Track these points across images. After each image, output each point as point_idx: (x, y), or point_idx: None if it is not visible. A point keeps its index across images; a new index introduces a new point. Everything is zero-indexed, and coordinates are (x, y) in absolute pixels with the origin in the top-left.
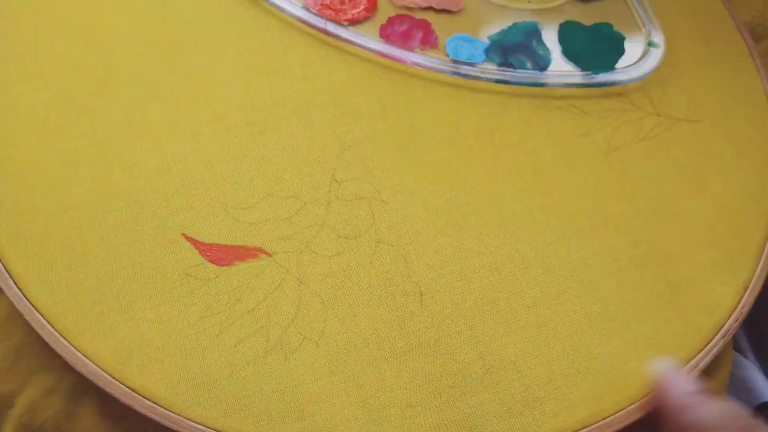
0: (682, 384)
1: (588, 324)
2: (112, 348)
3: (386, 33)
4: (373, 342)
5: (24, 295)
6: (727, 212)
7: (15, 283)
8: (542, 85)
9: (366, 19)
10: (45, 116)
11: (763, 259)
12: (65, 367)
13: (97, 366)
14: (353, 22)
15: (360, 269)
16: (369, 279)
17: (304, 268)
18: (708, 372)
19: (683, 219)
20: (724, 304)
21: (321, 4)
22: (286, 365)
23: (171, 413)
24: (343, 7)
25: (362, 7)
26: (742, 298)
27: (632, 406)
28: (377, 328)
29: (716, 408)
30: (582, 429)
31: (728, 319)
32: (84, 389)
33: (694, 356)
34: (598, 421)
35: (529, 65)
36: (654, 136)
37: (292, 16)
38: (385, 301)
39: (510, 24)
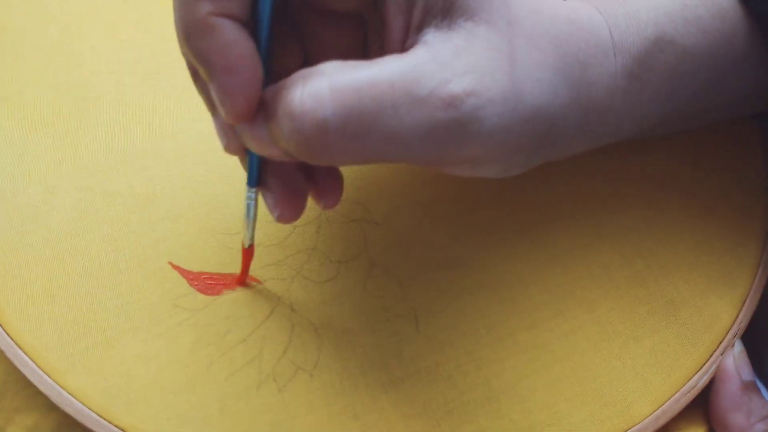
0: (734, 383)
1: (587, 345)
2: (97, 385)
3: None
4: (370, 370)
5: (5, 331)
6: (722, 225)
7: None
8: None
9: None
10: (23, 141)
11: (759, 273)
12: (49, 406)
13: (83, 404)
14: None
15: (354, 294)
16: (363, 304)
17: (296, 294)
18: (708, 388)
19: (678, 234)
20: (722, 319)
21: None
22: (280, 398)
23: None
24: None
25: None
26: (739, 312)
27: (635, 428)
28: (373, 355)
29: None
30: None
31: (726, 334)
32: (69, 428)
33: (694, 374)
34: None
35: None
36: (648, 149)
37: None
38: (381, 327)
39: None
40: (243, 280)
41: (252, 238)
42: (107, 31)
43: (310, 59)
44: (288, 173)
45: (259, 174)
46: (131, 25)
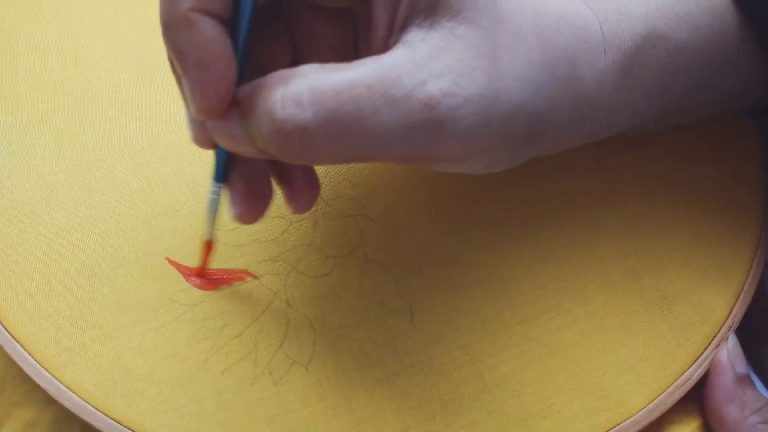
0: (728, 376)
1: (580, 338)
2: (95, 378)
3: None
4: (365, 365)
5: (3, 326)
6: (717, 220)
7: None
8: None
9: None
10: (21, 138)
11: (753, 267)
12: (47, 400)
13: (81, 398)
14: None
15: (349, 290)
16: (358, 299)
17: (291, 289)
18: (702, 381)
19: (672, 228)
20: (716, 313)
21: None
22: (275, 391)
23: None
24: None
25: None
26: (733, 306)
27: (628, 421)
28: (368, 349)
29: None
30: None
31: (720, 328)
32: (67, 421)
33: (688, 368)
34: None
35: None
36: (643, 144)
37: None
38: (376, 322)
39: None
40: (202, 273)
41: (212, 232)
42: (103, 30)
43: (299, 55)
44: (253, 173)
45: (226, 169)
46: (127, 24)
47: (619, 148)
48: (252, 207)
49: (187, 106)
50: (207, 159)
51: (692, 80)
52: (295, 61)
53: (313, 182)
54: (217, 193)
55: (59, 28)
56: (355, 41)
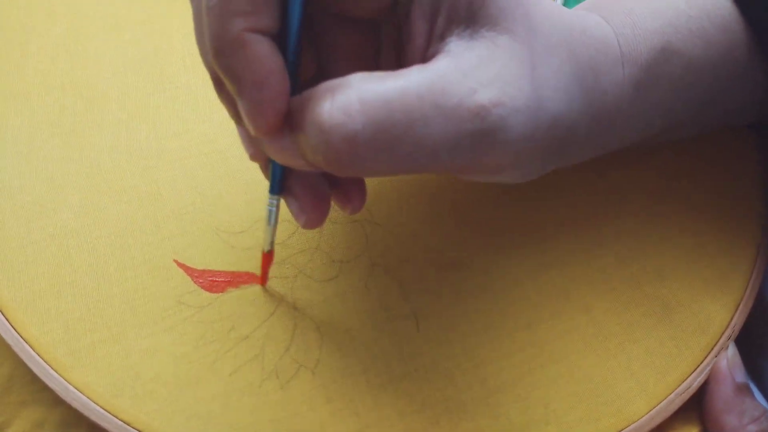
0: (727, 385)
1: (582, 345)
2: (103, 379)
3: None
4: (370, 368)
5: (12, 326)
6: (717, 230)
7: (2, 314)
8: None
9: None
10: (30, 139)
11: (753, 276)
12: (56, 400)
13: (89, 398)
14: None
15: (355, 294)
16: (364, 304)
17: (298, 293)
18: (702, 389)
19: (673, 238)
20: (716, 322)
21: None
22: (282, 394)
23: None
24: None
25: None
26: (733, 315)
27: (629, 428)
28: (374, 353)
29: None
30: None
31: (720, 337)
32: (75, 422)
33: (688, 376)
34: None
35: None
36: (646, 155)
37: None
38: (381, 326)
39: None
40: (264, 282)
41: (272, 243)
42: (112, 31)
43: (322, 65)
44: (312, 179)
45: (282, 182)
46: (136, 26)
47: (621, 159)
48: (317, 212)
49: (241, 125)
50: (214, 162)
51: (702, 93)
52: (320, 72)
53: (361, 181)
54: (274, 205)
55: (69, 29)
56: (378, 52)
